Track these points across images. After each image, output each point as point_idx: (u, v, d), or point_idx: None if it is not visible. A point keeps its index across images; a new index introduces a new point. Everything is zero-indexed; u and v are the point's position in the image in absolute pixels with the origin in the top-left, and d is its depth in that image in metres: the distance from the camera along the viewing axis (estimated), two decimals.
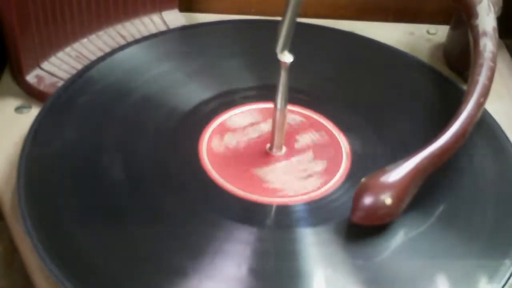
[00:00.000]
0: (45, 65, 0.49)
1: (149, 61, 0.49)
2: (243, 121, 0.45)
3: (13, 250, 0.40)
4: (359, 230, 0.37)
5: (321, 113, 0.46)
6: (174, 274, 0.35)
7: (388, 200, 0.36)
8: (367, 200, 0.36)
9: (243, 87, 0.48)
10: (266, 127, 0.45)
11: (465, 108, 0.41)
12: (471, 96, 0.41)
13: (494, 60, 0.44)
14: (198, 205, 0.39)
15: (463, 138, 0.40)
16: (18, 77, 0.48)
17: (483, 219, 0.39)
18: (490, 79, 0.43)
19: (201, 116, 0.45)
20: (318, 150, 0.43)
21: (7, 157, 0.43)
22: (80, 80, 0.46)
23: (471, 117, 0.40)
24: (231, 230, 0.38)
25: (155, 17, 0.55)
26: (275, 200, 0.40)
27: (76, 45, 0.51)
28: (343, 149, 0.44)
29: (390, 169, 0.37)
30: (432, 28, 0.59)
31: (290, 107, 0.43)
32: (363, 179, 0.37)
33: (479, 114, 0.41)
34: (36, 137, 0.42)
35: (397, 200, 0.36)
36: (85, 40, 0.52)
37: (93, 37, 0.52)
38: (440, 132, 0.39)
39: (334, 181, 0.41)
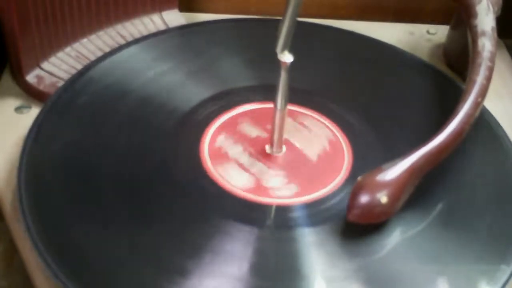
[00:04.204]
0: (45, 65, 0.49)
1: (148, 61, 0.49)
2: (242, 121, 0.45)
3: (13, 250, 0.40)
4: (359, 230, 0.37)
5: (321, 113, 0.46)
6: (174, 274, 0.35)
7: (384, 198, 0.36)
8: (363, 198, 0.36)
9: (243, 87, 0.48)
10: (266, 127, 0.45)
11: (462, 107, 0.41)
12: (469, 95, 0.41)
13: (492, 59, 0.44)
14: (198, 205, 0.39)
15: (460, 137, 0.40)
16: (18, 77, 0.48)
17: (481, 220, 0.39)
18: (488, 78, 0.43)
19: (201, 116, 0.45)
20: (318, 150, 0.43)
21: (7, 157, 0.43)
22: (80, 80, 0.46)
23: (468, 116, 0.40)
24: (231, 230, 0.38)
25: (155, 17, 0.55)
26: (275, 201, 0.40)
27: (76, 45, 0.51)
28: (344, 149, 0.44)
29: (386, 168, 0.37)
30: (432, 28, 0.59)
31: (290, 107, 0.43)
32: (359, 178, 0.37)
33: (476, 114, 0.41)
34: (36, 137, 0.42)
35: (393, 198, 0.37)
36: (85, 40, 0.52)
37: (93, 37, 0.52)
38: (437, 131, 0.40)
39: (334, 182, 0.41)
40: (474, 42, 0.45)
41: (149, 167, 0.41)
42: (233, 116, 0.46)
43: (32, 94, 0.48)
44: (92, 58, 0.49)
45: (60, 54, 0.50)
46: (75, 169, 0.40)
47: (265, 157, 0.43)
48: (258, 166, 0.42)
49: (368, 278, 0.36)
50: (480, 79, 0.42)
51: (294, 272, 0.36)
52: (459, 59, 0.52)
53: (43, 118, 0.43)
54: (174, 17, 0.55)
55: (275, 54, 0.38)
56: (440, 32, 0.58)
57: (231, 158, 0.42)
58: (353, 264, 0.36)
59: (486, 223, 0.39)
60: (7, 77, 0.50)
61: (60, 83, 0.47)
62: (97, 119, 0.44)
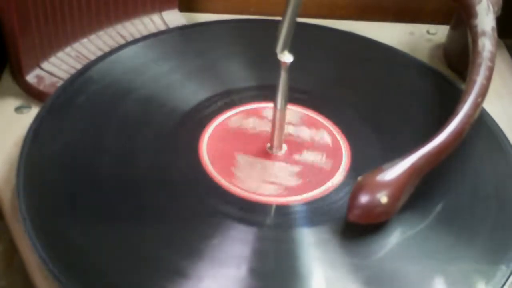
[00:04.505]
0: (45, 65, 0.49)
1: (148, 61, 0.49)
2: (243, 121, 0.45)
3: (13, 250, 0.40)
4: (359, 229, 0.37)
5: (321, 113, 0.46)
6: (174, 274, 0.35)
7: (384, 198, 0.36)
8: (363, 198, 0.36)
9: (243, 87, 0.48)
10: (266, 127, 0.45)
11: (462, 107, 0.41)
12: (469, 95, 0.41)
13: (492, 59, 0.44)
14: (198, 205, 0.39)
15: (460, 137, 0.40)
16: (18, 77, 0.48)
17: (481, 221, 0.39)
18: (488, 78, 0.43)
19: (201, 116, 0.45)
20: (318, 150, 0.43)
21: (7, 157, 0.43)
22: (79, 80, 0.46)
23: (468, 116, 0.40)
24: (231, 230, 0.38)
25: (155, 17, 0.55)
26: (275, 200, 0.40)
27: (76, 45, 0.51)
28: (343, 149, 0.44)
29: (386, 168, 0.37)
30: (432, 28, 0.59)
31: (290, 107, 0.43)
32: (359, 178, 0.37)
33: (476, 114, 0.41)
34: (36, 137, 0.42)
35: (393, 199, 0.37)
36: (85, 40, 0.52)
37: (93, 37, 0.52)
38: (437, 132, 0.40)
39: (334, 181, 0.41)
40: (474, 42, 0.45)
41: (149, 167, 0.41)
42: (233, 116, 0.45)
43: (32, 94, 0.48)
44: (92, 58, 0.49)
45: (60, 54, 0.50)
46: (75, 169, 0.40)
47: (266, 156, 0.43)
48: (258, 165, 0.42)
49: (368, 278, 0.36)
50: (480, 79, 0.42)
51: (294, 272, 0.36)
52: (459, 59, 0.52)
53: (42, 118, 0.43)
54: (174, 17, 0.55)
55: (275, 54, 0.38)
56: (440, 32, 0.58)
57: (231, 158, 0.42)
58: (353, 264, 0.36)
59: (486, 223, 0.39)
60: (7, 77, 0.50)
61: (60, 83, 0.47)
62: (97, 119, 0.44)
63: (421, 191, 0.39)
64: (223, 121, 0.45)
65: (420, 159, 0.38)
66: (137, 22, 0.54)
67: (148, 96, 0.46)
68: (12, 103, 0.48)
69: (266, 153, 0.43)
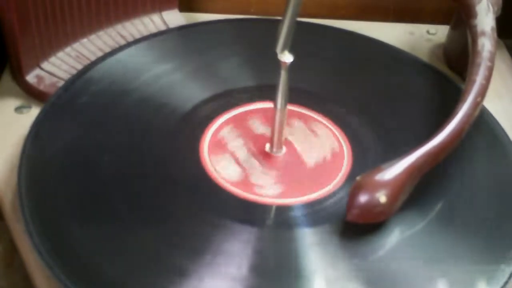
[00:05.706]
0: (45, 65, 0.49)
1: (148, 61, 0.49)
2: (242, 121, 0.45)
3: (13, 250, 0.40)
4: (358, 229, 0.37)
5: (321, 113, 0.46)
6: (174, 274, 0.35)
7: (383, 198, 0.36)
8: (362, 198, 0.36)
9: (243, 86, 0.48)
10: (265, 127, 0.45)
11: (461, 107, 0.41)
12: (468, 95, 0.41)
13: (492, 59, 0.44)
14: (198, 205, 0.39)
15: (459, 137, 0.40)
16: (18, 77, 0.48)
17: (481, 220, 0.39)
18: (488, 78, 0.43)
19: (201, 116, 0.45)
20: (318, 149, 0.43)
21: (7, 157, 0.43)
22: (80, 80, 0.46)
23: (467, 116, 0.40)
24: (231, 230, 0.38)
25: (155, 17, 0.55)
26: (275, 201, 0.40)
27: (76, 45, 0.51)
28: (343, 149, 0.44)
29: (385, 167, 0.37)
30: (432, 28, 0.59)
31: (290, 107, 0.43)
32: (358, 177, 0.37)
33: (476, 114, 0.41)
34: (36, 137, 0.42)
35: (392, 198, 0.37)
36: (85, 40, 0.52)
37: (93, 37, 0.52)
38: (436, 131, 0.40)
39: (334, 181, 0.41)
40: (474, 42, 0.45)
41: (149, 167, 0.41)
42: (233, 116, 0.46)
43: (32, 94, 0.48)
44: (92, 58, 0.49)
45: (60, 54, 0.50)
46: (75, 169, 0.40)
47: (263, 155, 0.43)
48: (252, 162, 0.42)
49: (368, 278, 0.36)
50: (479, 79, 0.42)
51: (294, 272, 0.36)
52: (459, 59, 0.52)
53: (43, 118, 0.43)
54: (174, 17, 0.55)
55: (275, 54, 0.38)
56: (440, 32, 0.58)
57: (231, 157, 0.42)
58: (352, 264, 0.36)
59: (486, 223, 0.39)
60: (7, 77, 0.50)
61: (60, 83, 0.47)
62: (97, 119, 0.44)
63: (420, 191, 0.39)
64: (223, 121, 0.45)
65: (419, 158, 0.38)
66: (137, 22, 0.54)
67: (149, 96, 0.46)
68: (12, 103, 0.48)
69: (265, 152, 0.43)
